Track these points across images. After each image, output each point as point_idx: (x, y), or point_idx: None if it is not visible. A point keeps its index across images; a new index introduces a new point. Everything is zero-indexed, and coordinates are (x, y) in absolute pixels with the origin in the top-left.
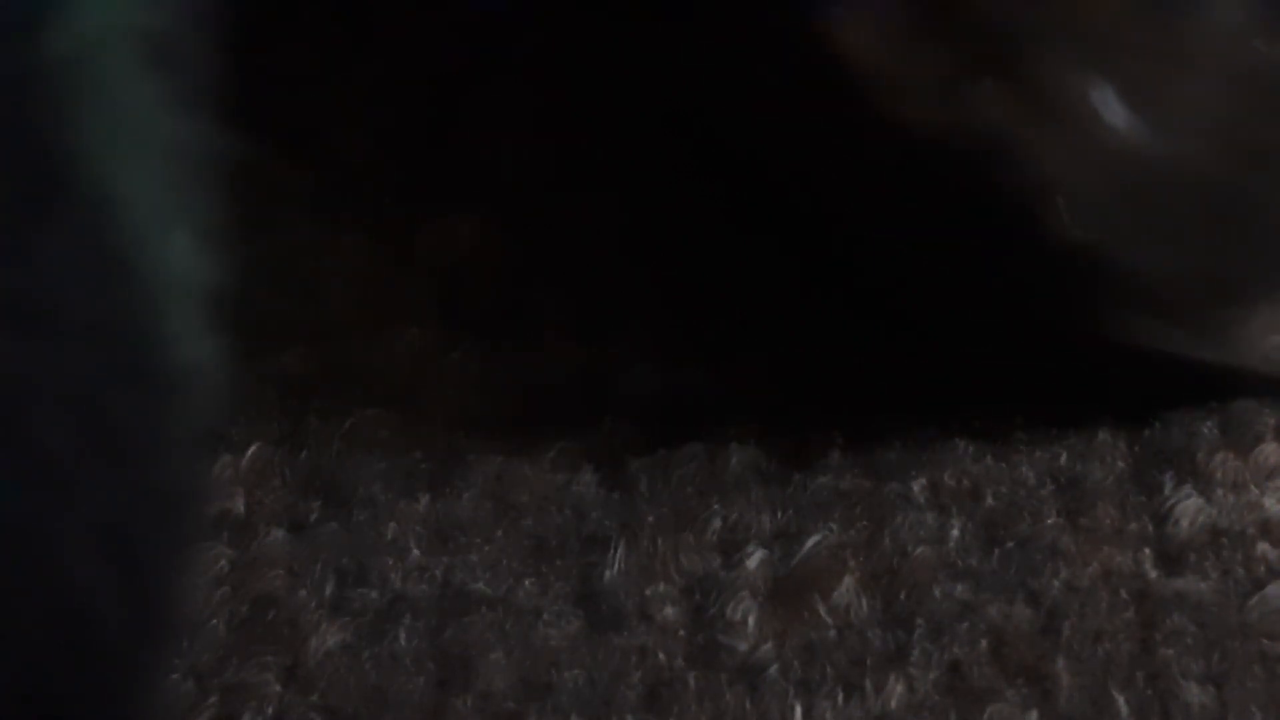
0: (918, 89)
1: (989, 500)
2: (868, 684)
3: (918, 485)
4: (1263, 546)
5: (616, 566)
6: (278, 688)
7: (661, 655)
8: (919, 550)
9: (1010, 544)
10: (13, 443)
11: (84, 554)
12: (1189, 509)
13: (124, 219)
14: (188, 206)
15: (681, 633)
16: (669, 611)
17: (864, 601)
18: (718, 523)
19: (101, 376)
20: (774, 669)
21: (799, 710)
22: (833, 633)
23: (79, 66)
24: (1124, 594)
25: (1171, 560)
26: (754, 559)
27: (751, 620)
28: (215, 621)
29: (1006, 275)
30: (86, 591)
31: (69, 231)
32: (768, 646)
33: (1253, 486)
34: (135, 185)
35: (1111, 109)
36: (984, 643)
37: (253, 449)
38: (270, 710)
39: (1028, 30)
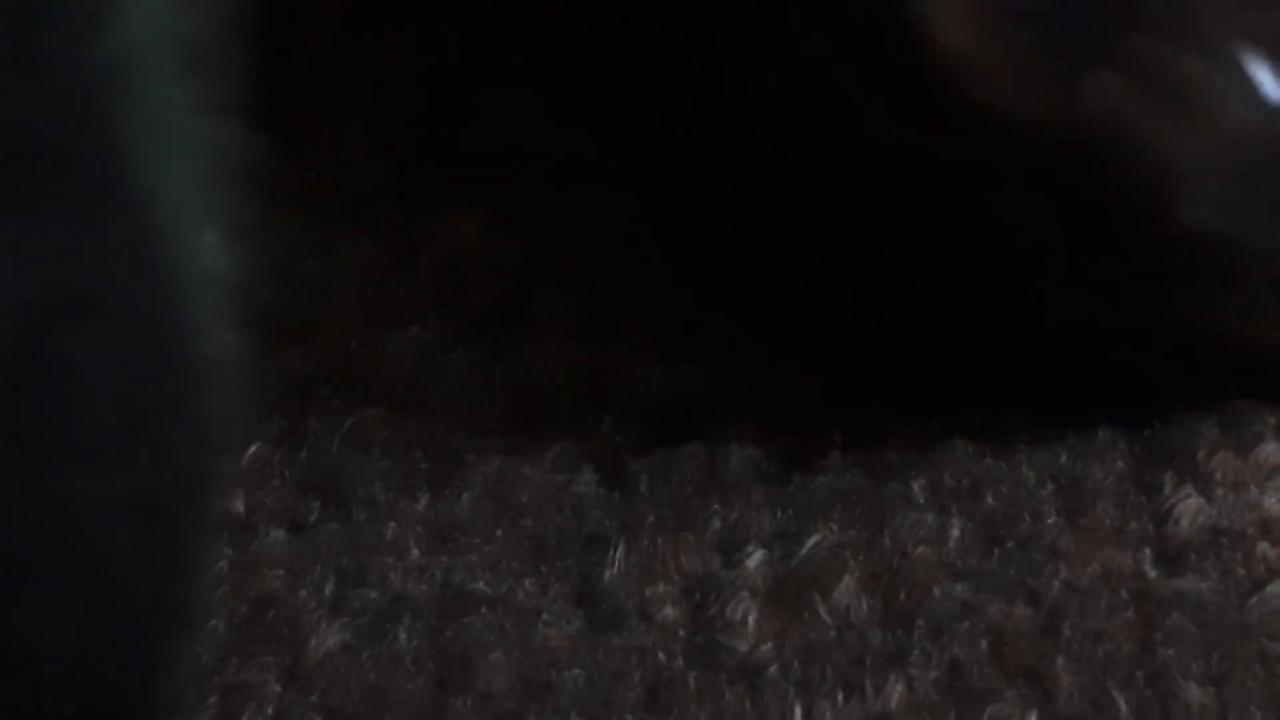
0: (1017, 79)
1: (989, 500)
2: (868, 684)
3: (918, 485)
4: (1263, 546)
5: (616, 566)
6: (278, 688)
7: (661, 655)
8: (919, 550)
9: (1010, 544)
10: (54, 421)
11: (115, 530)
12: (1189, 509)
13: (160, 215)
14: (216, 205)
15: (681, 633)
16: (669, 611)
17: (864, 601)
18: (718, 523)
19: (136, 361)
20: (774, 669)
21: (799, 710)
22: (833, 633)
23: (124, 69)
24: (1124, 594)
25: (1171, 560)
26: (754, 559)
27: (751, 620)
28: (215, 621)
29: (1123, 268)
30: (118, 565)
31: (112, 223)
32: (768, 646)
33: (1253, 486)
34: (170, 183)
35: (1245, 83)
36: (984, 643)
37: (253, 449)
38: (270, 710)
39: (1142, 16)
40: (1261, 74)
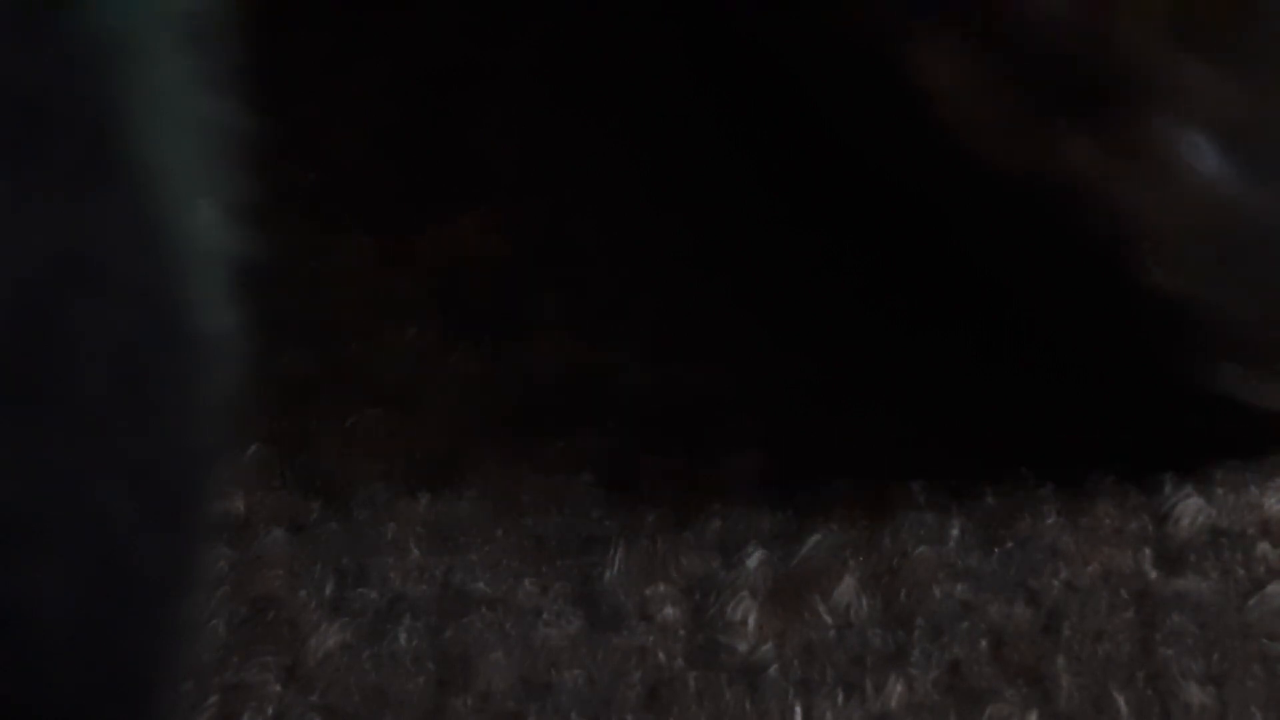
0: (996, 128)
1: (989, 500)
2: (868, 684)
3: (918, 485)
4: (1263, 546)
5: (616, 566)
6: (278, 688)
7: (661, 655)
8: (919, 550)
9: (1010, 544)
10: (54, 386)
11: (116, 495)
12: (1189, 509)
13: (159, 187)
14: (215, 180)
15: (681, 633)
16: (669, 611)
17: (864, 601)
18: (718, 523)
19: (139, 333)
20: (774, 669)
21: (799, 710)
22: (833, 633)
23: (125, 40)
24: (1124, 594)
25: (1171, 560)
26: (754, 559)
27: (751, 620)
28: (215, 622)
29: (1084, 317)
30: (119, 530)
31: (111, 193)
32: (768, 646)
33: (1253, 486)
34: (169, 156)
35: (1204, 157)
36: (984, 643)
37: (253, 449)
38: (270, 710)
39: (1113, 76)
40: (1225, 143)
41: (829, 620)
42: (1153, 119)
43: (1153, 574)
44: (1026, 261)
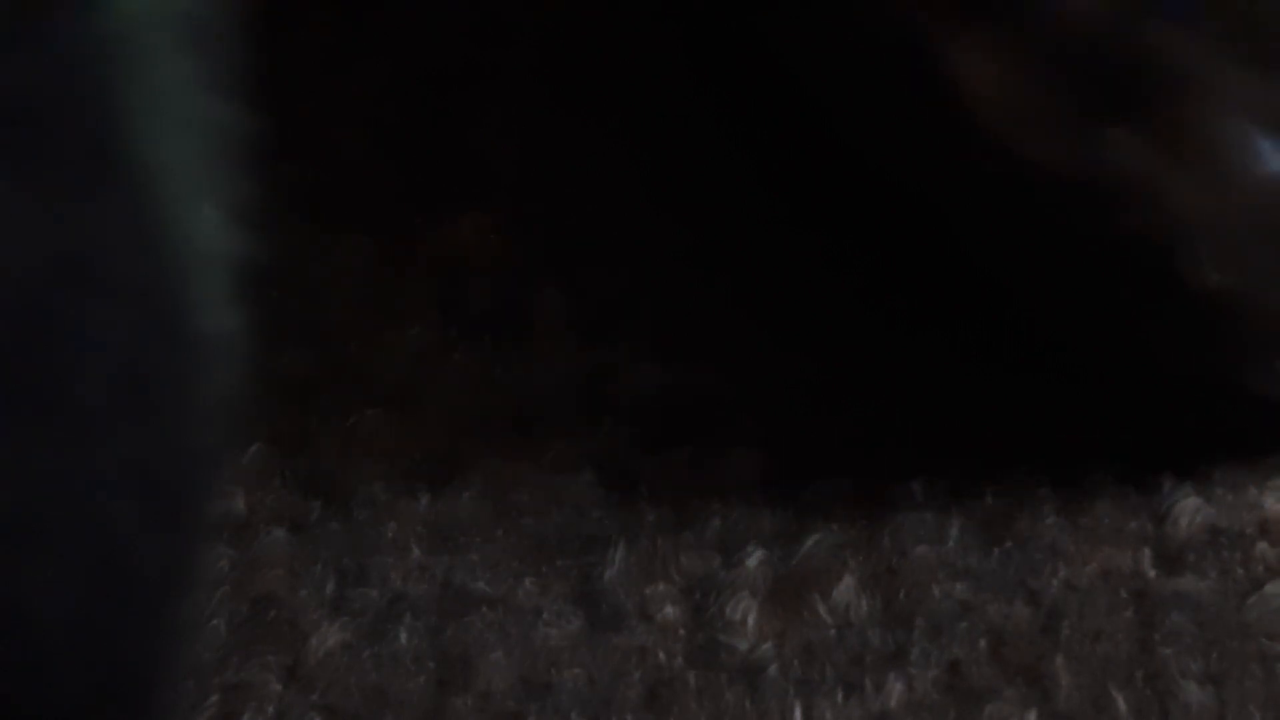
0: (1039, 125)
1: (989, 500)
2: (868, 683)
3: (918, 485)
4: (1262, 546)
5: (616, 566)
6: (278, 687)
7: (661, 655)
8: (919, 550)
9: (1010, 544)
10: (54, 389)
11: (116, 497)
12: (1188, 508)
13: (160, 189)
14: (216, 181)
15: (681, 633)
16: (669, 611)
17: (864, 601)
18: (718, 522)
19: (138, 335)
20: (774, 669)
21: (799, 710)
22: (833, 632)
23: (127, 43)
24: (1123, 594)
25: (1171, 560)
26: (754, 559)
27: (751, 620)
28: (215, 621)
29: (1132, 317)
30: (119, 532)
31: (113, 196)
32: (768, 646)
33: (1252, 486)
34: (171, 158)
35: (1261, 155)
36: (983, 642)
37: (253, 449)
38: (270, 710)
39: (1162, 75)
40: (1274, 139)
41: (829, 620)
42: (1207, 118)
43: (1152, 574)
44: (1045, 263)
